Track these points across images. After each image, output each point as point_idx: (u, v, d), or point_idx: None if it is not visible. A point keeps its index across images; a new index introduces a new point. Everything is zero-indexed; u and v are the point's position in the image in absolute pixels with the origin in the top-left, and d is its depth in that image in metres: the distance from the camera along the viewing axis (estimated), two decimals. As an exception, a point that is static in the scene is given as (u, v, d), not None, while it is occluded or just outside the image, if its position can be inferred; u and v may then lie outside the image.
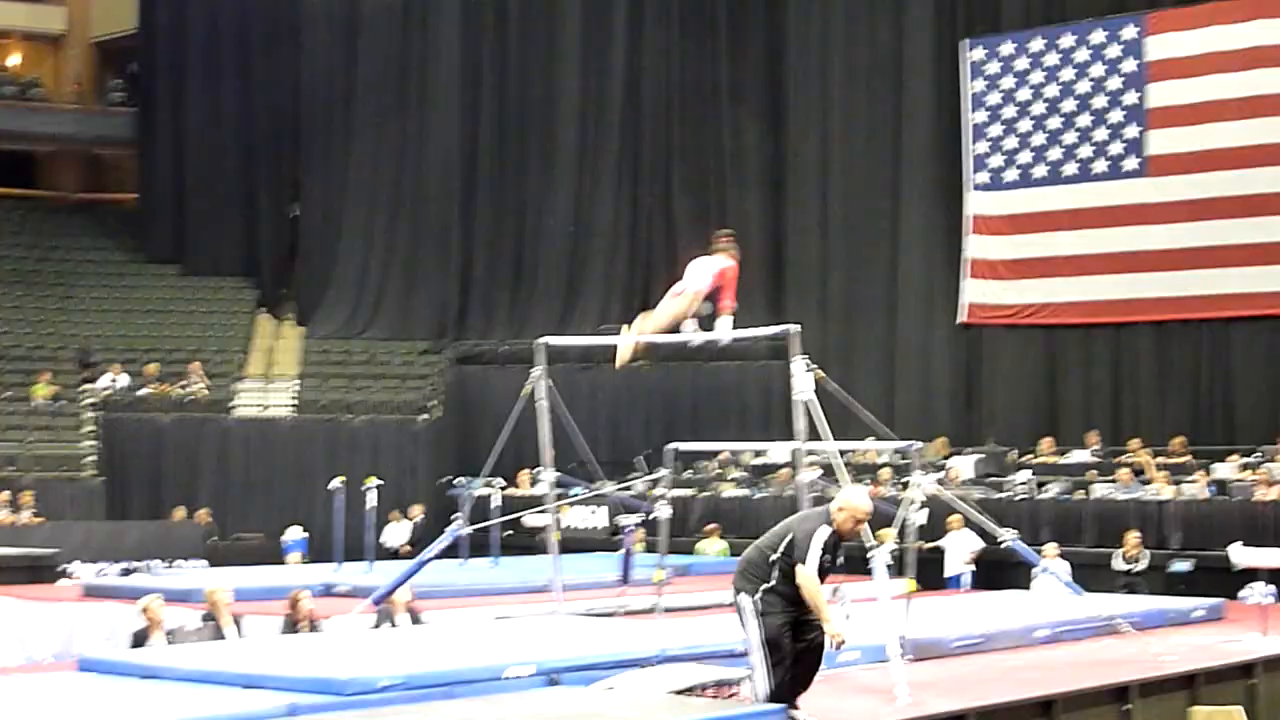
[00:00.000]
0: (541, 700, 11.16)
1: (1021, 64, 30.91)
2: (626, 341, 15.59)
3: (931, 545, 24.37)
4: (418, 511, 30.61)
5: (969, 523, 22.14)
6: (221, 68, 39.23)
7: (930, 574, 23.24)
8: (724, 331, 14.77)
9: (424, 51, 37.92)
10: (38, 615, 18.91)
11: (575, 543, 27.53)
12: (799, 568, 10.70)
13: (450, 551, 19.52)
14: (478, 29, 37.66)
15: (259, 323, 37.82)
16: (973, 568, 24.02)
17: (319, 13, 38.55)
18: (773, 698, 10.81)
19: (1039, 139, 30.67)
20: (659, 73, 36.22)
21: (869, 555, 13.12)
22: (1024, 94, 30.86)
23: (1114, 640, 16.09)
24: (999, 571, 23.40)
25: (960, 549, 24.01)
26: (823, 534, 10.84)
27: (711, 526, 27.77)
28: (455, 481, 30.33)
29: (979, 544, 23.55)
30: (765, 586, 10.90)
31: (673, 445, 17.99)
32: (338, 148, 38.16)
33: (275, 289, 38.59)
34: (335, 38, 38.39)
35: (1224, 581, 21.78)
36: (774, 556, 10.92)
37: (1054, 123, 30.51)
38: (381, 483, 25.05)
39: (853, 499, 11.13)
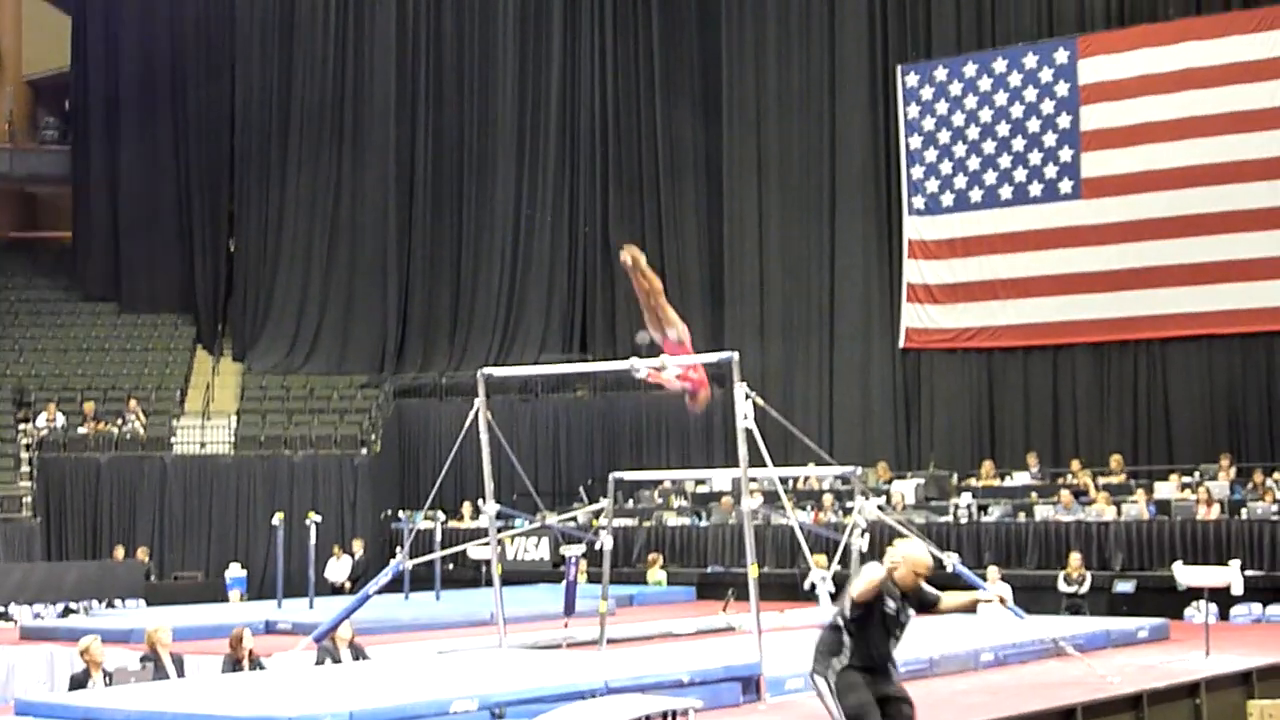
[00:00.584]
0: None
1: (955, 89, 31.02)
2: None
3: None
4: (359, 546, 30.48)
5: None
6: (155, 103, 38.99)
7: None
8: (667, 359, 14.64)
9: (358, 82, 37.83)
10: (-25, 659, 18.69)
11: (518, 575, 27.53)
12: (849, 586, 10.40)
13: (393, 586, 19.43)
14: (412, 60, 37.61)
15: (197, 359, 37.59)
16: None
17: (253, 46, 38.41)
18: None
19: (974, 163, 30.77)
20: (594, 102, 36.25)
21: (812, 582, 13.04)
22: (958, 118, 30.96)
23: (1059, 663, 16.11)
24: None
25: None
26: (873, 571, 10.53)
27: (653, 556, 27.72)
28: (397, 515, 30.25)
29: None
30: (838, 662, 10.54)
31: (615, 474, 17.92)
32: (273, 181, 38.01)
33: (213, 325, 38.36)
34: (269, 70, 38.25)
35: (1168, 601, 21.89)
36: (838, 621, 10.61)
37: (989, 146, 30.61)
38: (321, 518, 24.95)
39: (911, 551, 10.89)
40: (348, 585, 28.77)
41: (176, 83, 39.06)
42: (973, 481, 28.29)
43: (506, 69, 37.02)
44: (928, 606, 10.61)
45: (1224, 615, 21.37)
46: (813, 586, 15.22)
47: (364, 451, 33.53)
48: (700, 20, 35.14)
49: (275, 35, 38.27)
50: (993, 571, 22.89)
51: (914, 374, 31.57)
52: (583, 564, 23.23)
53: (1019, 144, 30.25)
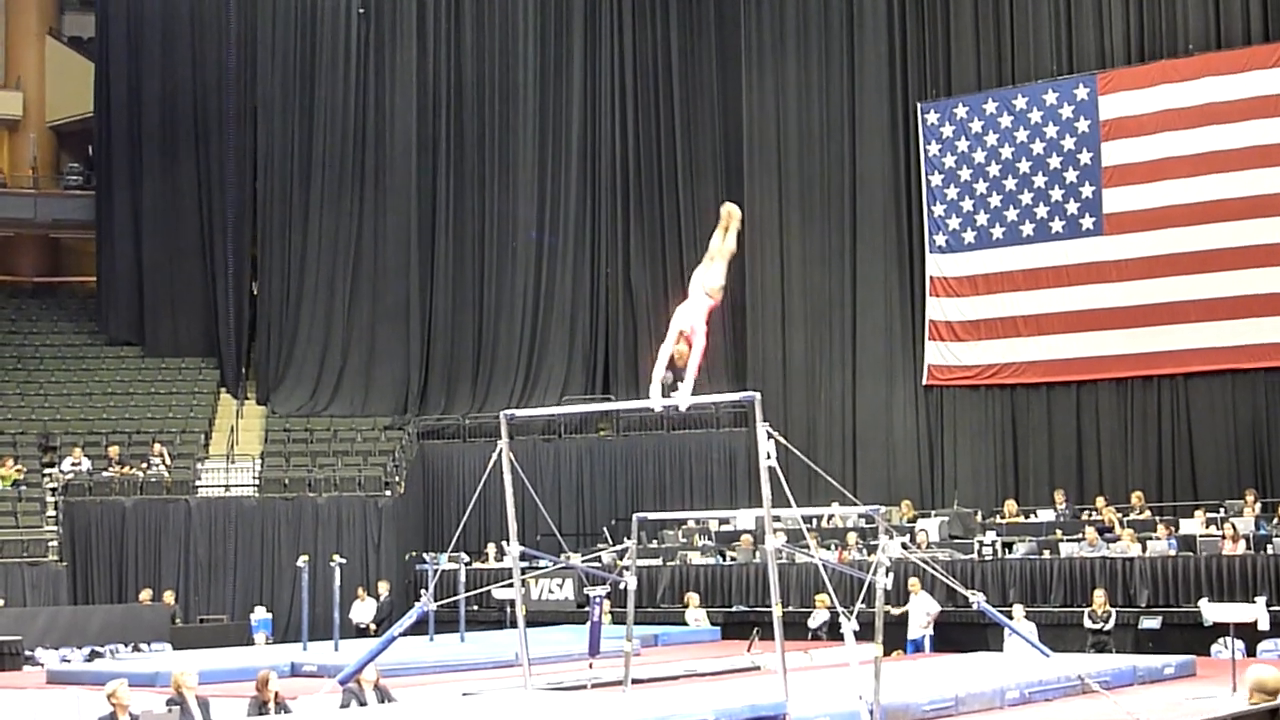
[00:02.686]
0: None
1: (976, 126, 31.07)
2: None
3: (901, 611, 24.40)
4: (384, 588, 30.48)
5: (925, 585, 22.16)
6: (178, 148, 39.11)
7: (895, 638, 23.27)
8: (683, 398, 14.63)
9: (379, 125, 37.96)
10: (1, 703, 18.71)
11: (543, 615, 27.51)
12: None
13: (418, 628, 19.44)
14: (433, 103, 37.75)
15: (221, 402, 37.65)
16: (930, 630, 24.03)
17: (275, 90, 38.52)
18: None
19: (995, 200, 30.81)
20: (614, 143, 36.41)
21: (839, 621, 13.03)
22: (979, 155, 31.02)
23: (1085, 700, 16.05)
24: (962, 633, 23.40)
25: (919, 612, 23.95)
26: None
27: (690, 595, 27.67)
28: (421, 557, 30.28)
29: (936, 607, 23.57)
30: None
31: (639, 515, 17.93)
32: (296, 224, 38.09)
33: (236, 368, 38.39)
34: (291, 114, 38.34)
35: (1194, 637, 21.84)
36: None
37: (1010, 183, 30.65)
38: (346, 560, 24.98)
39: (1263, 675, 9.61)
40: (373, 627, 28.77)
41: (199, 128, 39.17)
42: (997, 519, 28.23)
43: (526, 111, 37.17)
44: None
45: (1250, 651, 21.25)
46: (824, 626, 15.21)
47: (388, 493, 33.56)
48: (720, 60, 35.26)
49: (296, 80, 38.42)
50: (1018, 609, 22.86)
51: (937, 411, 31.55)
52: (607, 604, 23.23)
53: (1040, 180, 30.28)
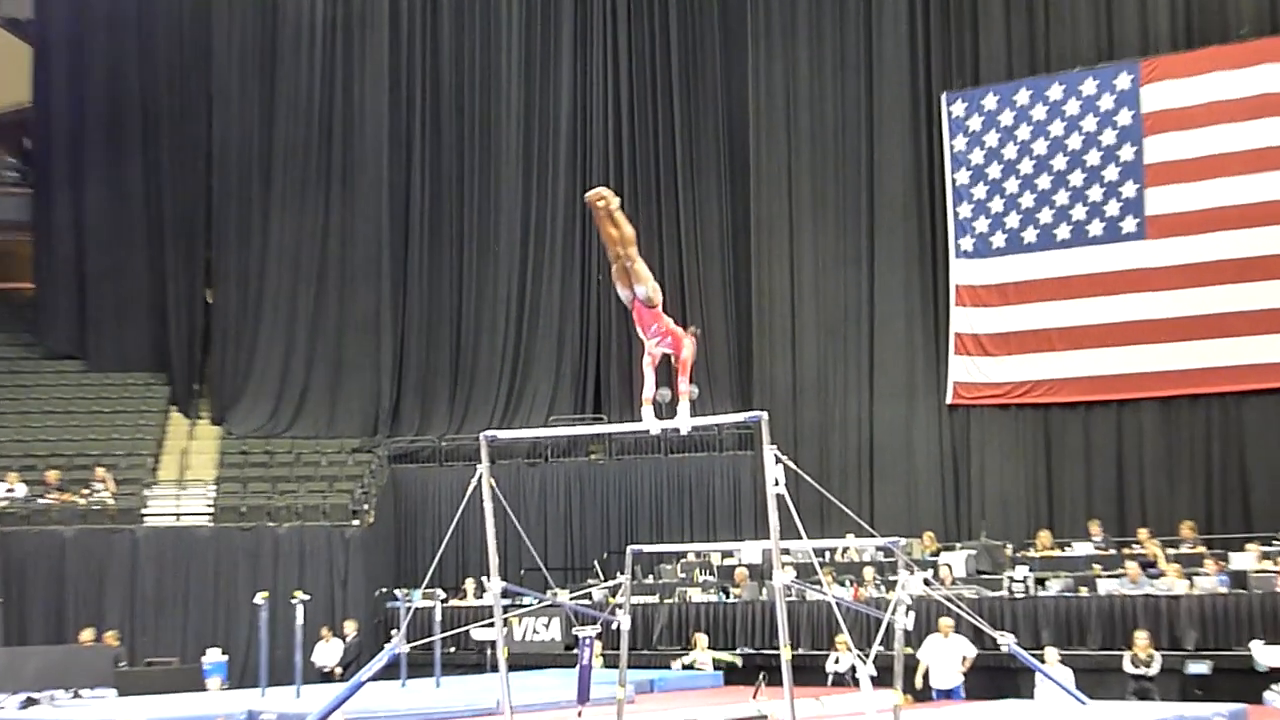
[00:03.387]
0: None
1: (1006, 118, 31.10)
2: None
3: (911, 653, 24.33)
4: (351, 628, 30.45)
5: (960, 627, 22.11)
6: (125, 141, 39.12)
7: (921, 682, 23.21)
8: (683, 420, 14.61)
9: (347, 116, 37.99)
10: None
11: (527, 658, 27.50)
12: None
13: (389, 672, 19.39)
14: (406, 92, 37.78)
15: (171, 422, 37.60)
16: (961, 678, 23.90)
17: (231, 78, 38.52)
18: None
19: (1028, 200, 30.83)
20: (607, 138, 36.43)
21: (854, 666, 13.02)
22: (1010, 151, 31.04)
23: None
24: (991, 678, 23.36)
25: (951, 657, 23.84)
26: None
27: (697, 636, 27.55)
28: (392, 593, 30.22)
29: (972, 650, 23.46)
30: None
31: (633, 547, 17.91)
32: (255, 226, 38.07)
33: (188, 384, 38.35)
34: (249, 105, 38.36)
35: (1245, 683, 21.79)
36: None
37: (1043, 182, 30.67)
38: (309, 597, 24.92)
39: None
40: (338, 671, 28.76)
41: (148, 119, 39.16)
42: (1029, 552, 28.18)
43: (510, 102, 37.19)
44: None
45: (1308, 699, 21.27)
46: (850, 671, 15.19)
47: (356, 523, 33.52)
48: (724, 47, 35.33)
49: (256, 66, 38.43)
50: (1051, 652, 22.81)
51: (963, 433, 31.55)
52: (598, 646, 23.19)
53: (1077, 179, 30.30)
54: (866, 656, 13.75)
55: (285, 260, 37.89)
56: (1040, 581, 26.01)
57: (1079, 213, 30.25)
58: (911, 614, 18.24)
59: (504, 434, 18.15)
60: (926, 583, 22.36)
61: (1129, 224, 29.71)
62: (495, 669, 17.62)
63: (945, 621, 23.48)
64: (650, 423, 14.79)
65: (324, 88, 38.16)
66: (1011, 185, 30.99)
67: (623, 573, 17.40)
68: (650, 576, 30.53)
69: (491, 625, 17.98)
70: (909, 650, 21.85)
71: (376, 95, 37.82)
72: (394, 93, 37.79)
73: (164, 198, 38.93)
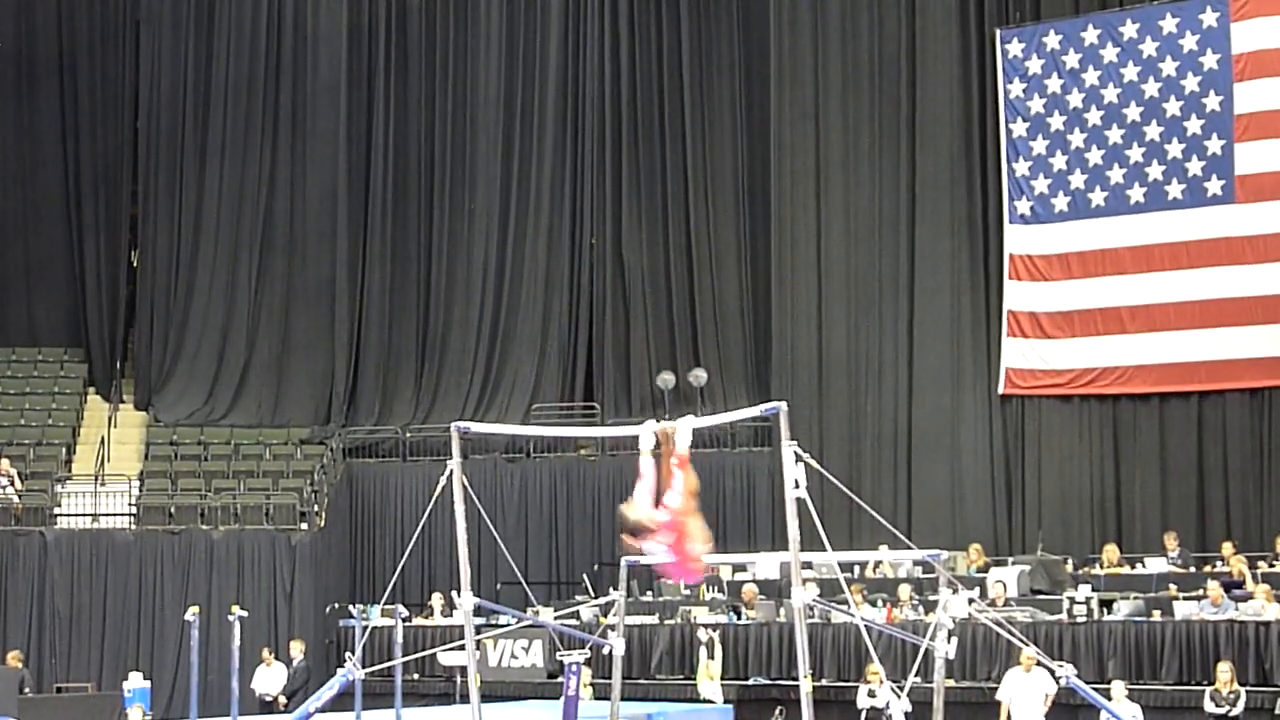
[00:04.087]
0: None
1: (1071, 59, 31.12)
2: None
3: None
4: (297, 650, 30.47)
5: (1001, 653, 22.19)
6: (36, 75, 39.08)
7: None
8: (683, 438, 13.83)
9: (298, 50, 37.92)
10: None
11: (504, 688, 27.57)
12: None
13: (341, 702, 19.45)
14: (369, 22, 37.67)
15: (89, 407, 37.65)
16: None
17: (163, 2, 38.41)
18: None
19: (1095, 156, 30.86)
20: (604, 76, 36.36)
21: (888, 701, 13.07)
22: (1075, 98, 31.06)
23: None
24: (1048, 716, 23.38)
25: (1035, 694, 23.56)
26: None
27: (706, 661, 27.50)
28: (346, 610, 30.29)
29: (1053, 686, 23.22)
30: None
31: (628, 558, 17.96)
32: (189, 177, 38.01)
33: (109, 362, 38.38)
34: (184, 33, 38.27)
35: (1346, 725, 21.86)
36: None
37: (1114, 135, 30.69)
38: (248, 613, 24.99)
39: None
40: (282, 700, 28.79)
41: (64, 48, 39.13)
42: (1093, 569, 28.27)
43: (490, 34, 37.16)
44: None
45: None
46: (887, 707, 15.24)
47: (304, 527, 33.56)
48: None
49: (193, -11, 38.45)
50: (1118, 687, 22.86)
51: (1017, 429, 31.60)
52: (586, 674, 23.24)
53: (1154, 131, 30.33)
54: (902, 689, 13.81)
55: (224, 218, 37.84)
56: (1106, 604, 26.07)
57: (1156, 171, 30.28)
58: (954, 640, 18.30)
59: (479, 426, 18.23)
60: (972, 603, 22.38)
61: (1214, 185, 29.72)
62: (466, 699, 17.69)
63: (1027, 654, 23.30)
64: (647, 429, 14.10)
65: (271, 14, 38.10)
66: (1077, 139, 31.01)
67: (616, 588, 17.47)
68: (648, 593, 30.58)
69: (462, 648, 17.97)
70: (950, 681, 21.90)
71: (332, 23, 37.77)
72: (353, 20, 37.72)
73: (81, 141, 38.90)
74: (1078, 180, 30.96)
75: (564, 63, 36.72)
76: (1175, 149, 30.09)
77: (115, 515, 33.96)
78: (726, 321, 34.41)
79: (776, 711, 22.08)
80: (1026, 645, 17.84)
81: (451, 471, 15.78)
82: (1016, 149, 31.57)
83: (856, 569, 28.02)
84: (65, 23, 39.21)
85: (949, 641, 17.99)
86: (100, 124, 38.84)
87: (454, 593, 21.95)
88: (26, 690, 29.40)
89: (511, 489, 34.34)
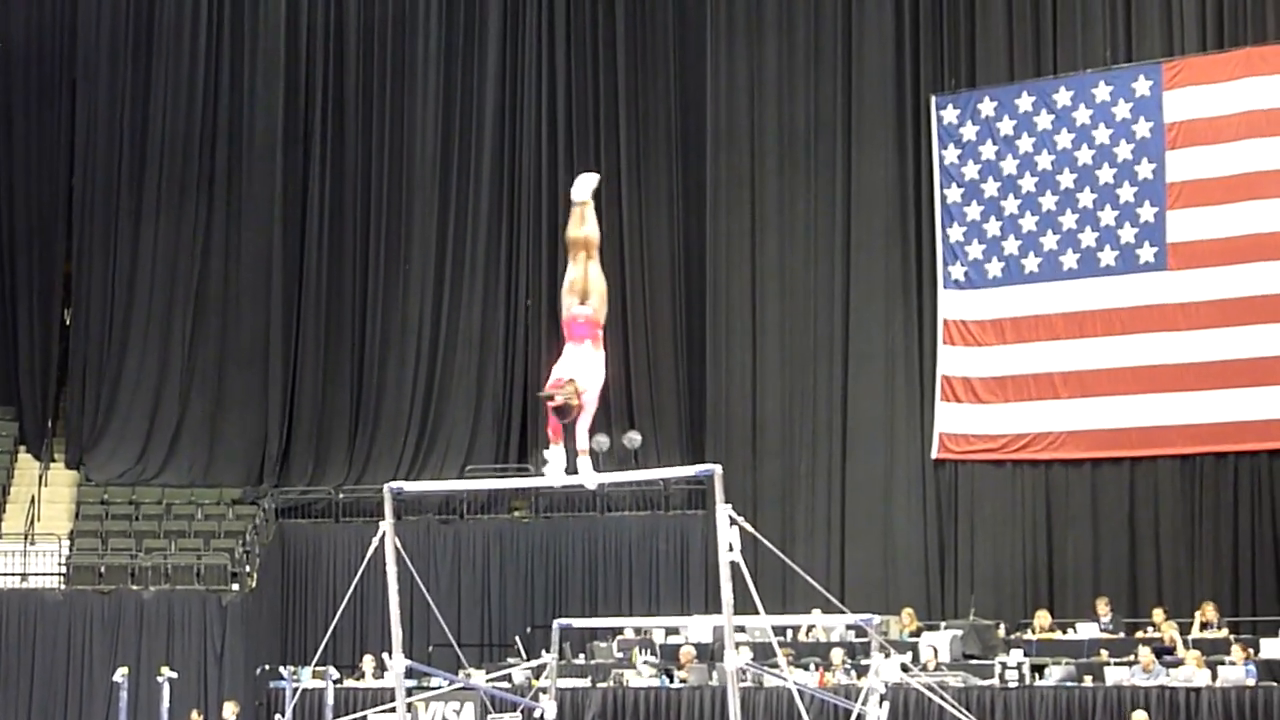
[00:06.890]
0: None
1: (1006, 126, 31.26)
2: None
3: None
4: (230, 712, 30.30)
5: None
6: (-32, 132, 39.01)
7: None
8: (587, 475, 14.56)
9: (234, 110, 37.81)
10: None
11: (435, 750, 27.43)
12: None
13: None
14: (306, 83, 37.64)
15: (19, 465, 37.41)
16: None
17: (99, 60, 38.27)
18: None
19: (1029, 223, 30.99)
20: (540, 140, 36.35)
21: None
22: (1009, 165, 31.20)
23: None
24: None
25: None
26: None
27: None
28: (277, 672, 30.17)
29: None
30: None
31: (561, 621, 17.94)
32: (123, 235, 37.77)
33: (39, 420, 38.17)
34: (120, 92, 38.12)
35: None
36: None
37: (1049, 201, 30.82)
38: (178, 674, 24.91)
39: None
40: (212, 763, 28.70)
41: (0, 105, 39.03)
42: (1025, 634, 28.31)
43: (427, 95, 37.12)
44: None
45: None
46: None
47: (235, 587, 33.41)
48: (679, 39, 35.35)
49: (128, 47, 38.19)
50: (1050, 751, 22.90)
51: (950, 493, 31.64)
52: (519, 737, 23.19)
53: (1087, 199, 30.47)
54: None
55: (158, 276, 37.64)
56: (1038, 669, 26.10)
57: (1089, 238, 30.42)
58: (886, 704, 18.30)
59: (412, 486, 18.23)
60: (905, 668, 22.40)
61: (1147, 252, 29.88)
62: (397, 762, 17.60)
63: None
64: (587, 476, 14.78)
65: (209, 74, 37.98)
66: (1011, 205, 31.15)
67: (549, 651, 17.44)
68: (581, 656, 30.48)
69: (394, 711, 17.96)
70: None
71: (270, 83, 37.68)
72: (290, 80, 37.65)
73: (16, 197, 38.63)
74: (1011, 246, 31.09)
75: (500, 124, 36.73)
76: (1108, 216, 30.24)
77: (45, 575, 33.77)
78: (661, 384, 34.42)
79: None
80: (959, 711, 17.84)
81: (384, 533, 15.74)
82: (951, 215, 31.70)
83: (789, 633, 28.01)
84: (1, 80, 39.08)
85: (881, 706, 17.99)
86: (35, 181, 38.62)
87: (385, 654, 21.92)
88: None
89: (444, 550, 34.25)
